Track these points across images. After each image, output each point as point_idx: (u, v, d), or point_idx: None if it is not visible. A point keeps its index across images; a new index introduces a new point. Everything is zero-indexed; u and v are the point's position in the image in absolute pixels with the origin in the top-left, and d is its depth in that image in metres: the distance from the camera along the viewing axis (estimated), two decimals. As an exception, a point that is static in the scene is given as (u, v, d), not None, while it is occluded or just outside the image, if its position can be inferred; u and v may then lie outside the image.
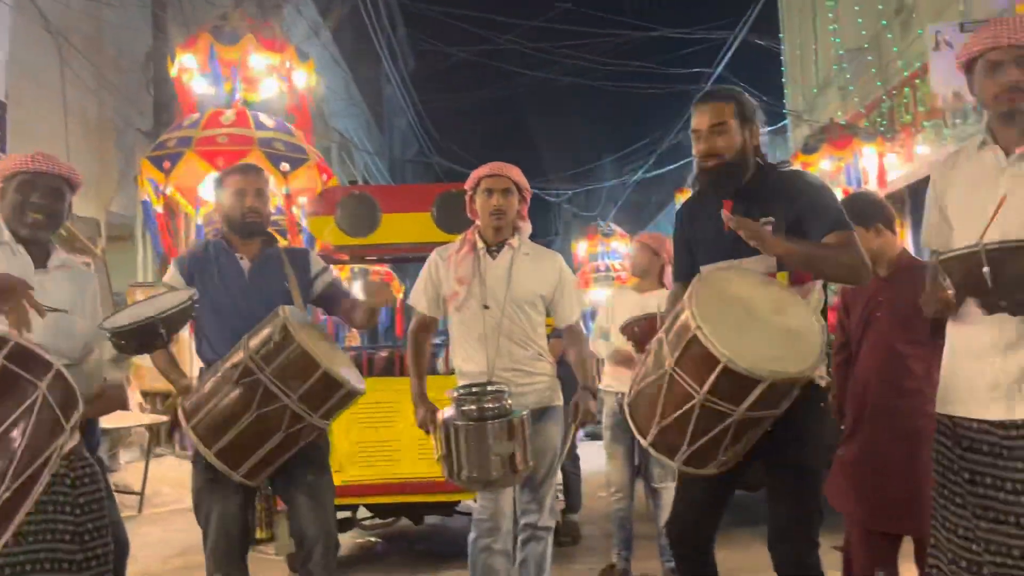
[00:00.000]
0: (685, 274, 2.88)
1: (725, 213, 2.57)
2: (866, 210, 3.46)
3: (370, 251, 5.80)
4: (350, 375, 2.93)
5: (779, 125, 14.80)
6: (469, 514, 3.68)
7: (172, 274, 3.27)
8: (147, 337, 2.83)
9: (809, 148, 9.99)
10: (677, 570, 2.94)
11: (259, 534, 5.50)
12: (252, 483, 2.97)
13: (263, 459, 2.87)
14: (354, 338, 10.05)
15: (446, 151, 21.11)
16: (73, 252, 8.38)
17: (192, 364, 3.66)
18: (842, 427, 3.50)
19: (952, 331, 2.43)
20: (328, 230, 5.27)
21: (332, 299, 3.37)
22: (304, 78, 7.15)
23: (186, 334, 3.88)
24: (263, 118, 6.62)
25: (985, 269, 2.03)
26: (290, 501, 3.12)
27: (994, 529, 2.24)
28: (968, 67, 2.41)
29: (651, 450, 2.57)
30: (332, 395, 2.87)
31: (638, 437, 2.60)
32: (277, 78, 7.01)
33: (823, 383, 2.71)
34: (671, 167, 18.96)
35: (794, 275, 2.69)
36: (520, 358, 3.37)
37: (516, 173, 3.46)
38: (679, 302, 2.57)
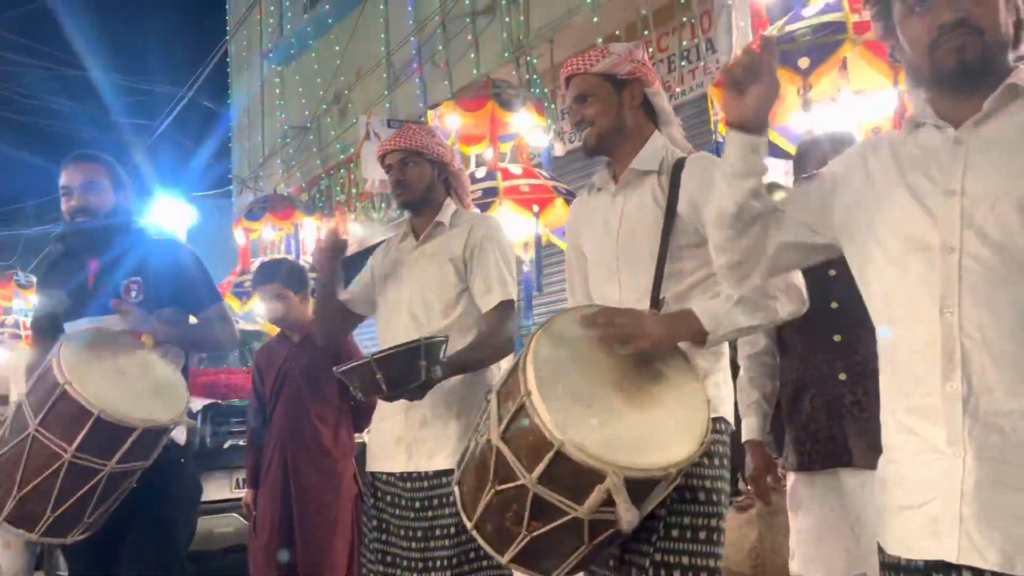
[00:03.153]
0: (44, 329, 2.93)
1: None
2: (298, 277, 3.69)
3: None
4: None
5: (224, 189, 14.82)
6: None
7: None
8: None
9: (252, 215, 10.16)
10: None
11: None
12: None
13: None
14: None
15: None
16: None
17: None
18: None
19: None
20: None
21: None
22: None
23: None
24: None
25: (378, 376, 2.20)
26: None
27: (391, 573, 2.45)
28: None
29: (5, 526, 2.36)
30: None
31: None
32: None
33: (183, 439, 2.74)
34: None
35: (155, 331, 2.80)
36: None
37: None
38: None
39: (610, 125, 2.11)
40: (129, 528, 2.59)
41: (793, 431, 2.57)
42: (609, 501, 1.68)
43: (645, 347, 1.84)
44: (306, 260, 10.68)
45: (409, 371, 2.21)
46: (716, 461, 2.00)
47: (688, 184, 2.03)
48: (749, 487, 5.33)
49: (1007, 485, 1.23)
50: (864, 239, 1.43)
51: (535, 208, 5.82)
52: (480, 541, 1.87)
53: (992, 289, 1.27)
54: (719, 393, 2.04)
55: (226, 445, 4.94)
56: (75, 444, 2.28)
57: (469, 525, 1.89)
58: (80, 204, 2.78)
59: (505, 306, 2.52)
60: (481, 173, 6.10)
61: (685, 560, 1.90)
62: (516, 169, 6.13)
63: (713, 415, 1.96)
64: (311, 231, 10.71)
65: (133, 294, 2.73)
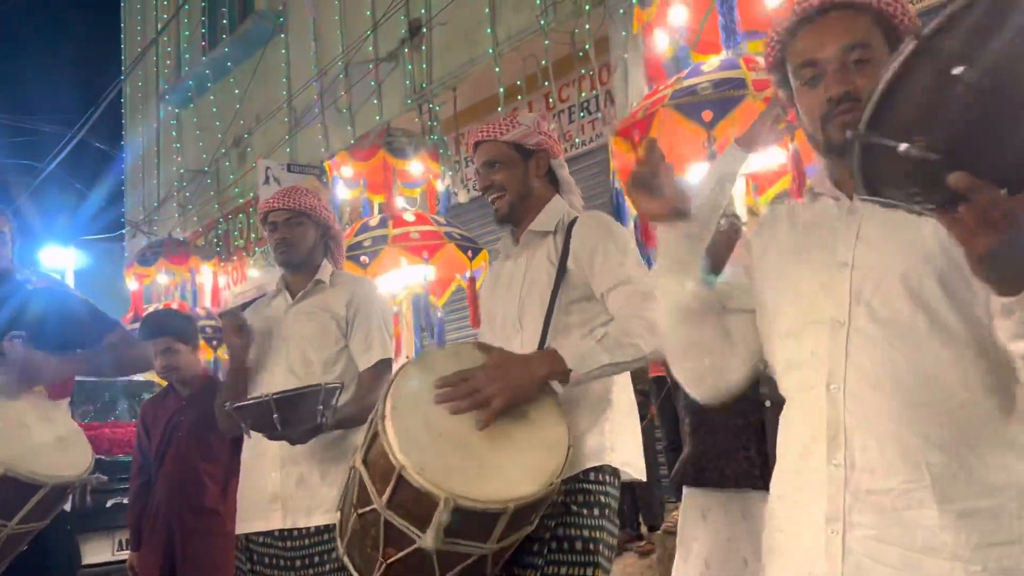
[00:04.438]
0: None
1: None
2: (187, 328, 3.56)
3: None
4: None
5: (117, 233, 14.29)
6: None
7: None
8: None
9: (145, 260, 9.82)
10: None
11: None
12: None
13: None
14: None
15: None
16: None
17: None
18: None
19: (244, 456, 2.59)
20: None
21: None
22: None
23: None
24: None
25: (275, 415, 2.23)
26: None
27: None
28: (263, 226, 2.71)
29: None
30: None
31: None
32: None
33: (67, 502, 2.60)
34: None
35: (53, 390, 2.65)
36: None
37: None
38: None
39: (518, 192, 2.17)
40: None
41: (708, 445, 2.58)
42: (453, 532, 1.71)
43: (500, 407, 1.83)
44: (203, 308, 10.38)
45: (306, 414, 2.26)
46: (596, 511, 1.98)
47: (575, 241, 2.10)
48: (649, 532, 5.40)
49: (887, 564, 1.22)
50: (769, 310, 1.43)
51: (424, 255, 5.85)
52: (349, 567, 1.88)
53: (877, 366, 1.26)
54: (604, 442, 2.03)
55: (108, 504, 4.67)
56: None
57: (341, 551, 1.91)
58: None
59: (383, 364, 2.59)
60: (375, 221, 6.10)
61: None
62: (409, 216, 6.17)
63: (595, 463, 2.00)
64: (208, 276, 10.42)
65: (17, 347, 2.52)
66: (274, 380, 2.53)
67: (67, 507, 2.60)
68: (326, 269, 2.69)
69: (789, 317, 1.38)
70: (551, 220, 2.16)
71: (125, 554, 3.53)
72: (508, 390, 1.83)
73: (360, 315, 2.61)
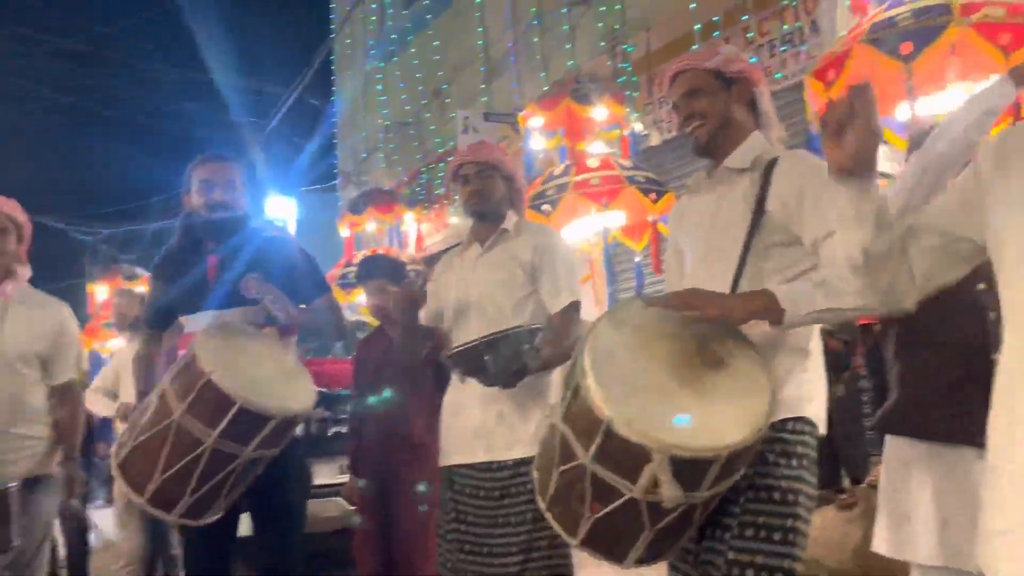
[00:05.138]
0: (158, 322, 3.11)
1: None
2: (397, 271, 3.83)
3: None
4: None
5: (330, 184, 15.31)
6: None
7: None
8: None
9: (356, 208, 10.47)
10: None
11: None
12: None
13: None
14: None
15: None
16: None
17: None
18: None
19: (447, 396, 2.79)
20: None
21: None
22: None
23: None
24: None
25: (486, 358, 2.37)
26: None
27: (468, 560, 2.57)
28: (454, 180, 2.90)
29: (147, 507, 2.51)
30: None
31: (132, 496, 2.52)
32: None
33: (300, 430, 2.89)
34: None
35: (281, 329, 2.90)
36: (9, 420, 2.93)
37: (14, 209, 3.05)
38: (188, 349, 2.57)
39: (719, 120, 2.11)
40: (252, 512, 2.79)
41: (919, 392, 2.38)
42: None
43: (713, 315, 1.82)
44: (407, 253, 10.95)
45: (512, 355, 2.38)
46: (795, 462, 1.96)
47: (779, 182, 2.01)
48: (853, 485, 5.19)
49: None
50: (1008, 238, 1.34)
51: (604, 200, 5.83)
52: (553, 524, 1.94)
53: None
54: (800, 393, 2.00)
55: (330, 433, 5.15)
56: (218, 431, 2.38)
57: (543, 508, 1.97)
58: (220, 199, 2.91)
59: (573, 307, 2.68)
60: (559, 170, 6.15)
61: (759, 560, 1.88)
62: (593, 162, 6.15)
63: (793, 415, 1.96)
64: (411, 223, 10.95)
65: (254, 289, 2.83)
66: (469, 327, 2.68)
67: (300, 434, 2.91)
68: (511, 219, 2.80)
69: None
70: (748, 157, 2.09)
71: (346, 478, 3.88)
72: (720, 306, 1.84)
73: (546, 261, 2.70)
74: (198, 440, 2.39)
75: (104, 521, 5.59)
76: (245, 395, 2.39)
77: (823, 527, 5.02)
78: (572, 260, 2.81)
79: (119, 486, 4.39)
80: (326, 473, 5.25)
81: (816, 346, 2.07)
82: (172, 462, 2.41)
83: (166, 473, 2.42)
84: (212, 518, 2.58)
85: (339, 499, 4.15)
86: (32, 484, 2.92)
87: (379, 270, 3.79)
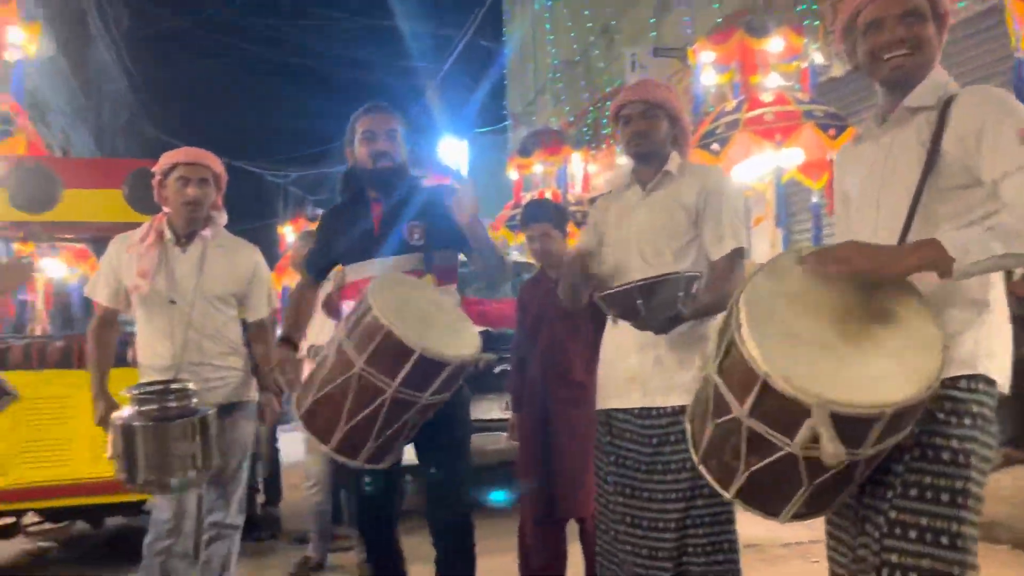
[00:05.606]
0: (316, 271, 3.20)
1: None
2: (561, 216, 3.87)
3: (49, 229, 5.26)
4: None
5: (500, 125, 15.49)
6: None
7: None
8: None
9: (525, 150, 10.59)
10: (368, 557, 3.07)
11: None
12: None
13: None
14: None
15: (165, 121, 19.67)
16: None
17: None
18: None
19: (604, 337, 2.77)
20: (-2, 203, 4.70)
21: None
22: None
23: None
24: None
25: (639, 301, 2.32)
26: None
27: (628, 504, 2.59)
28: (615, 121, 2.74)
29: (333, 454, 2.62)
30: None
31: (319, 445, 2.65)
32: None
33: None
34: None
35: (439, 273, 2.96)
36: (210, 352, 3.25)
37: (214, 161, 3.32)
38: (359, 301, 2.62)
39: (926, 54, 1.94)
40: (419, 446, 2.89)
41: None
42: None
43: (865, 269, 1.74)
44: (573, 194, 10.96)
45: (667, 301, 2.35)
46: (968, 421, 1.82)
47: (958, 119, 1.85)
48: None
49: None
50: None
51: (778, 137, 5.53)
52: (706, 476, 1.92)
53: None
54: (977, 348, 1.85)
55: (496, 370, 5.32)
56: (398, 380, 2.46)
57: (696, 460, 1.95)
58: (382, 149, 2.94)
59: (737, 254, 2.59)
60: (731, 105, 5.90)
61: (923, 521, 1.79)
62: (767, 97, 5.85)
63: (968, 372, 1.83)
64: (578, 164, 10.94)
65: (416, 237, 2.93)
66: (629, 271, 2.64)
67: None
68: (674, 160, 2.71)
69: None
70: (932, 93, 1.93)
71: (510, 414, 4.02)
72: (874, 260, 1.75)
73: (710, 205, 2.62)
74: (380, 390, 2.48)
75: (294, 444, 6.11)
76: (423, 344, 2.45)
77: (1017, 487, 4.70)
78: (738, 204, 2.72)
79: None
80: (492, 409, 5.46)
81: (998, 297, 1.91)
82: (355, 412, 2.51)
83: (350, 423, 2.52)
84: (392, 461, 2.72)
85: (504, 434, 4.31)
86: (230, 410, 3.25)
87: (543, 214, 3.83)
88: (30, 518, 5.10)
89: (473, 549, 2.91)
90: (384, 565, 3.02)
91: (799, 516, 1.84)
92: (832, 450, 1.63)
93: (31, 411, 4.27)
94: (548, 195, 10.94)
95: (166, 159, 3.28)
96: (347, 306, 2.97)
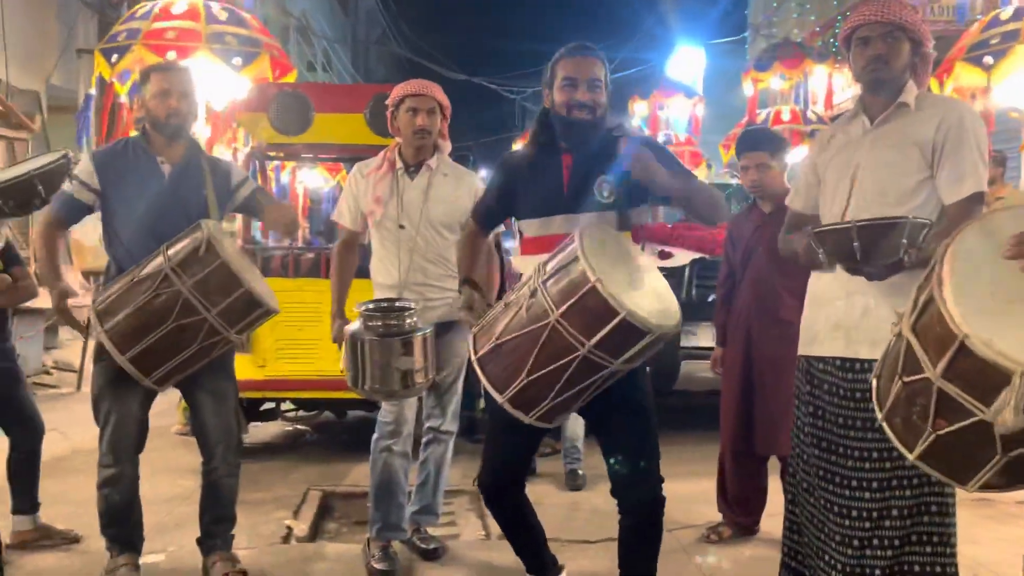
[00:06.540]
0: (487, 221, 3.01)
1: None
2: (780, 146, 3.74)
3: (303, 150, 5.86)
4: (266, 293, 3.06)
5: (739, 37, 14.73)
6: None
7: (84, 165, 3.22)
8: (25, 195, 3.07)
9: (762, 64, 10.07)
10: (492, 513, 2.94)
11: None
12: (160, 389, 3.08)
13: (175, 367, 2.98)
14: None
15: (410, 41, 20.60)
16: (9, 128, 8.22)
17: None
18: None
19: (810, 282, 2.68)
20: (261, 127, 5.30)
21: (253, 209, 3.44)
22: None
23: (95, 241, 4.00)
24: (216, 9, 6.17)
25: (856, 243, 2.20)
26: (194, 403, 3.29)
27: (822, 457, 2.54)
28: (846, 43, 2.58)
29: (507, 406, 2.41)
30: (251, 313, 3.02)
31: (492, 393, 2.43)
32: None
33: None
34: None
35: (634, 233, 2.77)
36: (432, 275, 3.53)
37: (440, 92, 3.54)
38: (563, 251, 2.42)
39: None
40: (603, 421, 2.69)
41: None
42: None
43: None
44: (813, 111, 10.30)
45: (888, 247, 2.18)
46: None
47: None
48: None
49: None
50: None
51: None
52: (889, 434, 1.88)
53: None
54: None
55: (709, 299, 5.28)
56: (594, 340, 2.28)
57: (879, 416, 1.91)
58: (582, 100, 2.68)
59: (976, 199, 2.38)
60: (1008, 13, 5.21)
61: None
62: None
63: None
64: (821, 79, 10.24)
65: (605, 193, 2.68)
66: (848, 210, 2.49)
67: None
68: (911, 90, 2.49)
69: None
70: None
71: (722, 343, 4.00)
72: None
73: (951, 141, 2.40)
74: (572, 347, 2.30)
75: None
76: (629, 307, 2.26)
77: None
78: (984, 143, 2.43)
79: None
80: (704, 337, 5.46)
81: None
82: (540, 365, 2.35)
83: (532, 376, 2.36)
84: (560, 423, 2.59)
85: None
86: (447, 327, 3.52)
87: (764, 143, 3.71)
88: (287, 405, 5.87)
89: (660, 526, 2.71)
90: (516, 524, 2.91)
91: (990, 487, 1.77)
92: (1007, 419, 1.56)
93: (287, 314, 4.79)
94: (786, 113, 10.40)
95: (397, 91, 3.53)
96: (520, 262, 2.85)
